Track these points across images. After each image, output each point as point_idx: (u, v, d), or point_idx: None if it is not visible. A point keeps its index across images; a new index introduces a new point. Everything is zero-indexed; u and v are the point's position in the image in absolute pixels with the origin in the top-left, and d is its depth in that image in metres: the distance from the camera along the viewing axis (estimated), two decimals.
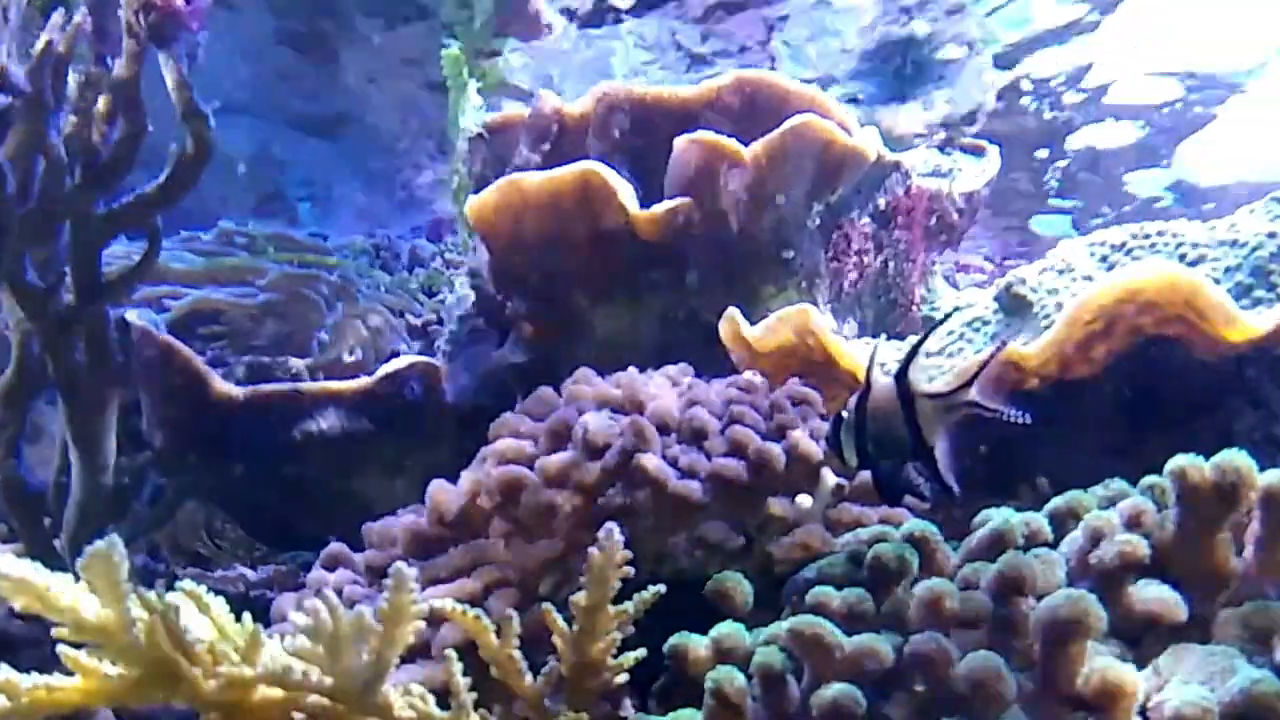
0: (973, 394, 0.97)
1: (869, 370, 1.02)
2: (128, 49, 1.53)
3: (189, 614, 0.82)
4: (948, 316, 1.25)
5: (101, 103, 1.57)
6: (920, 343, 1.01)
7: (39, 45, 1.50)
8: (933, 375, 1.27)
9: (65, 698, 0.74)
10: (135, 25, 1.50)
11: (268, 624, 1.18)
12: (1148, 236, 1.56)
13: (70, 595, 0.71)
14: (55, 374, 1.64)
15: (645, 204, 1.59)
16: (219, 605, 0.86)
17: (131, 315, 1.82)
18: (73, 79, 1.57)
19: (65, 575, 0.72)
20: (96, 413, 1.67)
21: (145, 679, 0.76)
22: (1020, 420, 0.96)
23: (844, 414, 1.04)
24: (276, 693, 0.81)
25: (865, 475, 1.21)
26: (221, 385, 1.77)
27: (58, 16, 1.52)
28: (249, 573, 1.99)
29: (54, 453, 1.77)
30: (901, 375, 1.00)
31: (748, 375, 1.34)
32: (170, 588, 0.84)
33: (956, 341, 1.58)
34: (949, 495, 1.02)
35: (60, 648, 0.75)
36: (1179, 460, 0.95)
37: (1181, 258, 1.51)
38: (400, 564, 0.81)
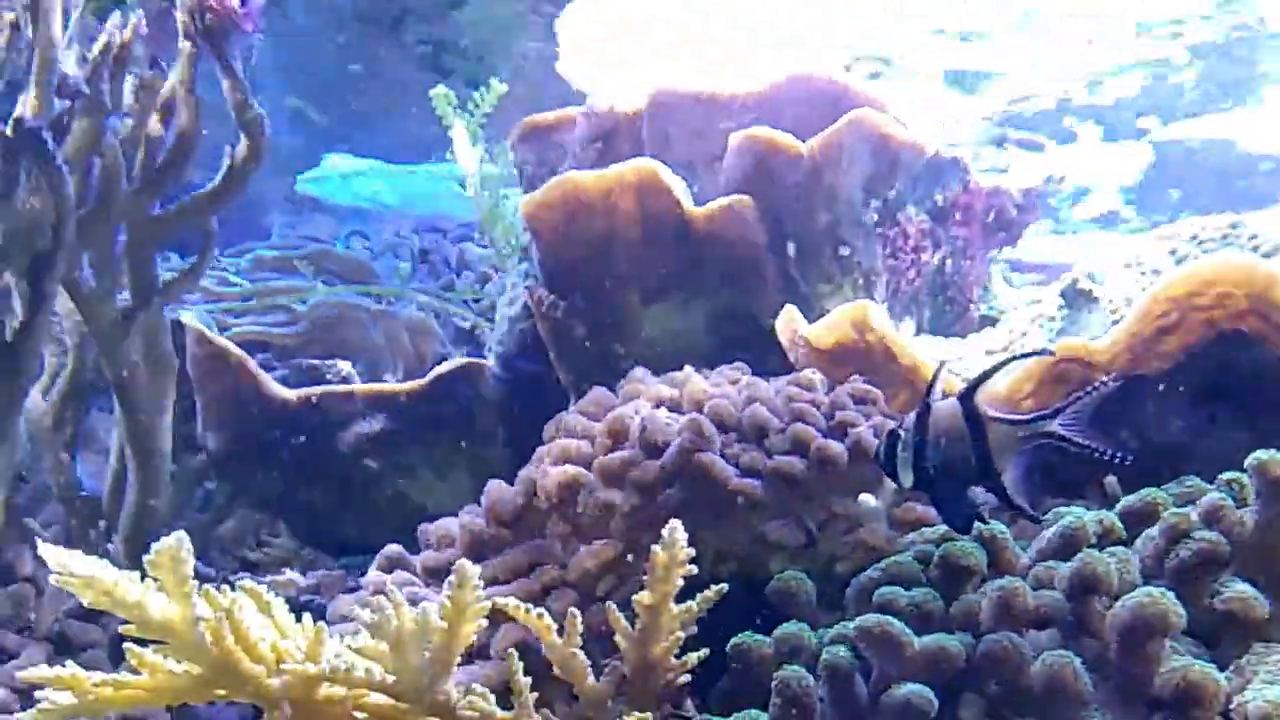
0: (1055, 426, 0.93)
1: (929, 389, 0.99)
2: (183, 51, 1.54)
3: (251, 613, 0.82)
4: (1033, 353, 1.20)
5: (157, 105, 1.57)
6: (994, 370, 0.98)
7: (96, 49, 1.51)
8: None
9: (132, 695, 0.74)
10: (190, 28, 1.51)
11: None
12: (1220, 229, 1.52)
13: (137, 592, 0.71)
14: (111, 376, 1.64)
15: (699, 201, 1.58)
16: (280, 605, 0.86)
17: (187, 317, 1.82)
18: (128, 82, 1.58)
19: (132, 573, 0.72)
20: (152, 416, 1.67)
21: (210, 676, 0.75)
22: (1120, 460, 0.91)
23: (901, 432, 1.01)
24: (339, 690, 0.80)
25: None
26: (274, 387, 1.78)
27: (114, 20, 1.53)
28: (298, 577, 1.99)
29: (107, 459, 1.78)
30: (968, 397, 0.96)
31: (806, 373, 1.32)
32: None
33: (1021, 338, 1.55)
34: (1027, 518, 0.99)
35: (126, 644, 0.74)
36: (1260, 455, 0.93)
37: (1256, 249, 1.48)
38: (464, 561, 0.80)
